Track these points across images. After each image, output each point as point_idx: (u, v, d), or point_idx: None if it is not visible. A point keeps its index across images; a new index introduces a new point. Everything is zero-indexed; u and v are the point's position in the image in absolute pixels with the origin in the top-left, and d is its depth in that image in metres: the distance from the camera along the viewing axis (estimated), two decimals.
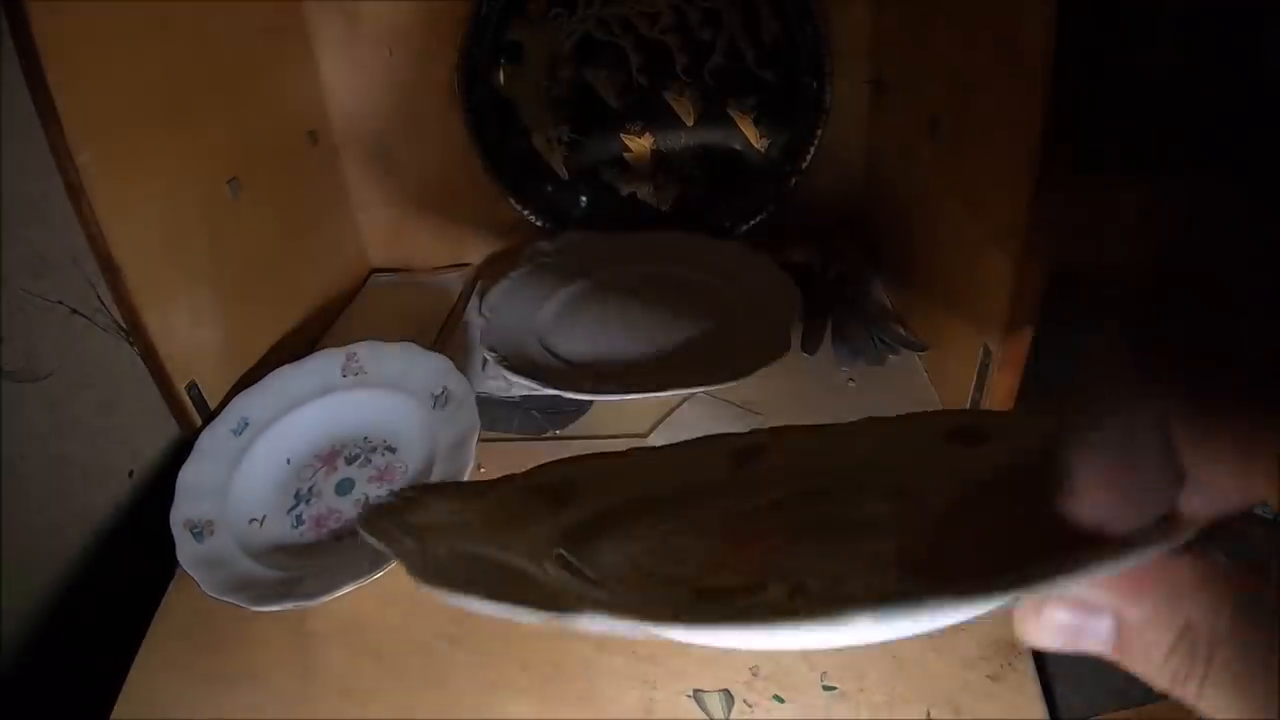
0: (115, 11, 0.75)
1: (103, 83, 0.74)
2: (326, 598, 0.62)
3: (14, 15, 0.67)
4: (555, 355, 0.89)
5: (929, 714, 0.57)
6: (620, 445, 0.75)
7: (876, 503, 0.42)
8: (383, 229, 1.19)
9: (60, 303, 1.38)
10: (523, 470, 0.47)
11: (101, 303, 1.38)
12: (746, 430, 0.51)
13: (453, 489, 0.55)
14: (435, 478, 0.72)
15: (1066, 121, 0.58)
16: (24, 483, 1.51)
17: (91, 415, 1.49)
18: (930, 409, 0.77)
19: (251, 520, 0.74)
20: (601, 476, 0.54)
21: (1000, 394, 0.69)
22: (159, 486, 0.81)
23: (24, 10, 0.66)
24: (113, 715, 0.62)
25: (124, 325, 1.32)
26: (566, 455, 0.73)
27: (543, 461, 0.68)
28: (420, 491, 0.48)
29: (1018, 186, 0.62)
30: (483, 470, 0.76)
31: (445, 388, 0.77)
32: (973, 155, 0.74)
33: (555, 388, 0.81)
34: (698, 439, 0.56)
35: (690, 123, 1.06)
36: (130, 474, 1.55)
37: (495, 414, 0.83)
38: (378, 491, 0.74)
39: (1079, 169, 0.59)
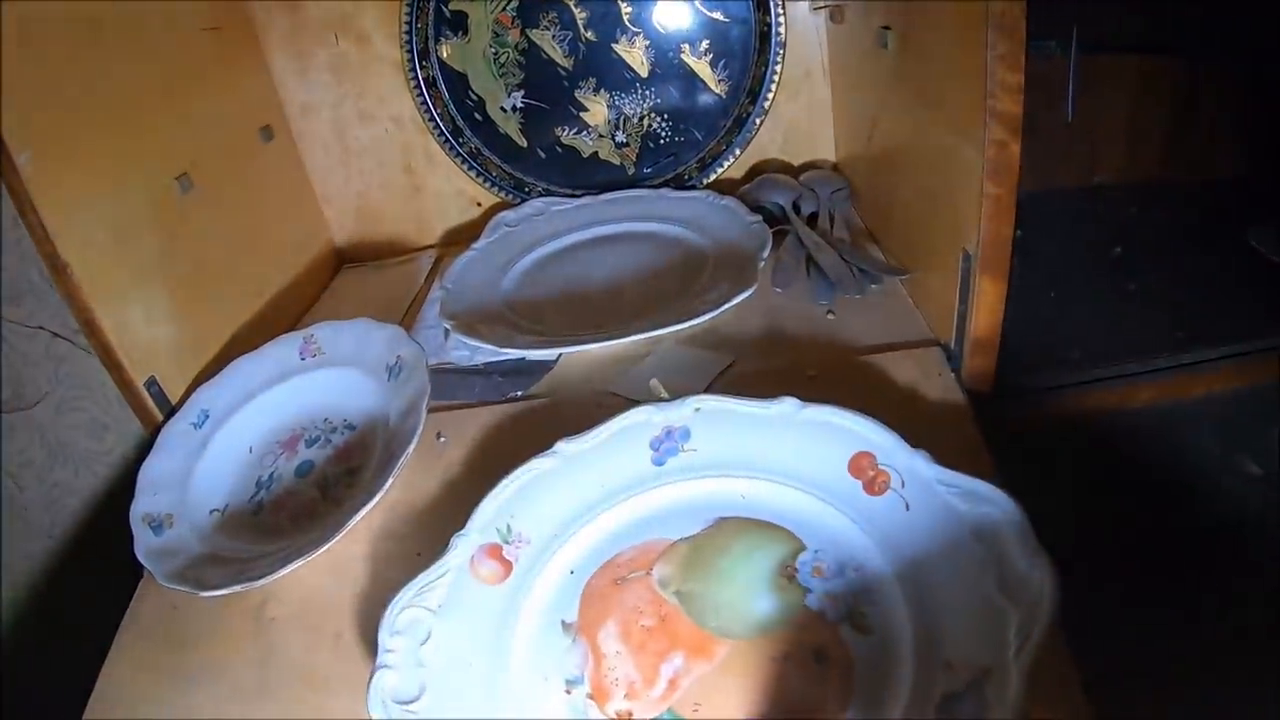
0: (44, 14, 0.74)
1: (38, 84, 0.74)
2: (273, 577, 0.60)
3: None
4: (518, 317, 0.87)
5: None
6: (585, 400, 0.72)
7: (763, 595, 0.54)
8: (349, 218, 1.18)
9: (41, 328, 1.37)
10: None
11: (80, 324, 1.36)
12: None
13: None
14: (386, 444, 0.69)
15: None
16: (25, 513, 1.49)
17: (83, 439, 1.47)
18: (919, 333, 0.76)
19: (212, 511, 0.73)
20: (538, 507, 0.59)
21: (986, 302, 0.65)
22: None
23: None
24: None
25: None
26: (528, 416, 0.71)
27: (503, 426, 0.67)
28: None
29: (975, 71, 0.59)
30: (443, 439, 0.73)
31: (398, 356, 0.75)
32: (928, 56, 0.71)
33: (511, 347, 0.79)
34: (619, 422, 0.61)
35: (644, 74, 1.04)
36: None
37: (457, 383, 0.80)
38: (336, 470, 0.71)
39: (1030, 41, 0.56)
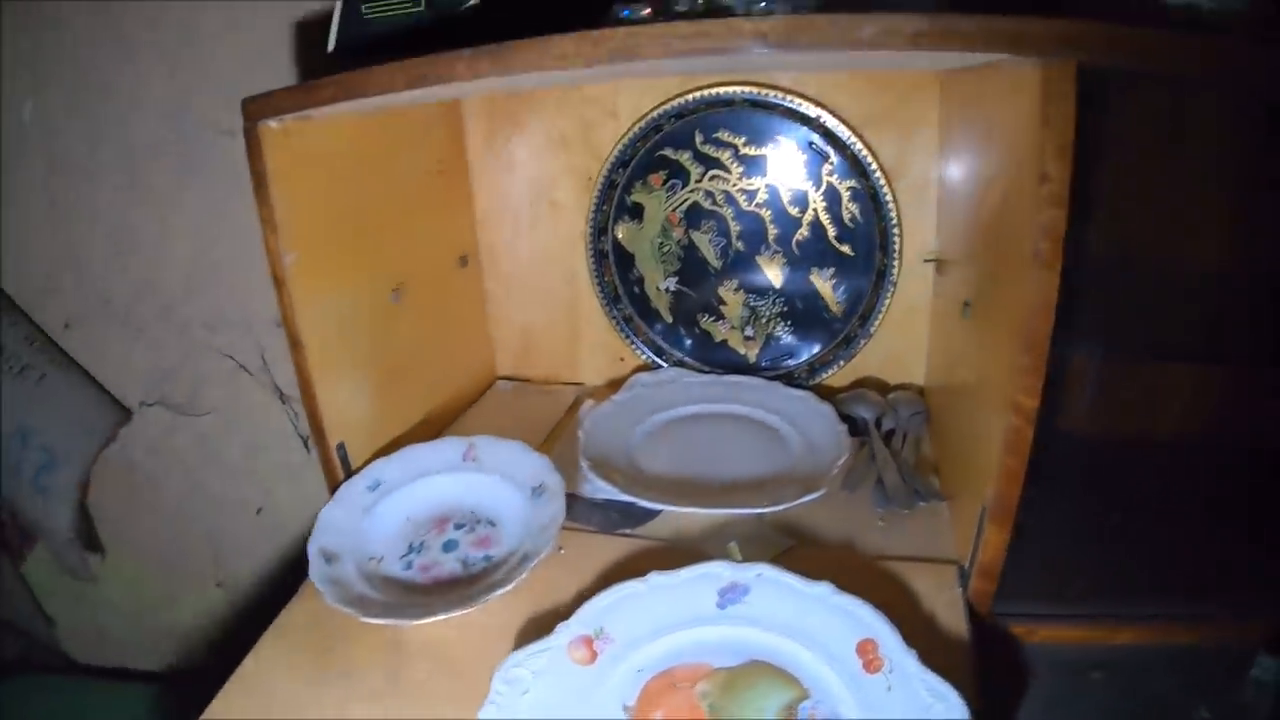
0: (326, 149, 0.96)
1: (309, 202, 0.94)
2: (423, 620, 0.79)
3: (252, 145, 0.88)
4: (638, 470, 1.05)
5: None
6: (676, 547, 0.91)
7: None
8: (512, 344, 1.39)
9: (230, 357, 1.63)
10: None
11: (265, 364, 1.62)
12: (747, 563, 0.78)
13: None
14: (523, 553, 0.87)
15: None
16: (161, 497, 1.74)
17: (236, 456, 1.73)
18: (945, 552, 0.91)
19: (371, 558, 0.91)
20: (625, 617, 0.77)
21: (991, 542, 0.80)
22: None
23: (259, 142, 0.88)
24: (222, 690, 0.78)
25: (281, 389, 1.57)
26: (630, 548, 0.90)
27: (611, 552, 0.88)
28: None
29: (1010, 364, 0.75)
30: (563, 551, 0.91)
31: (543, 482, 0.94)
32: (988, 339, 0.87)
33: (630, 495, 0.97)
34: (700, 570, 0.78)
35: (778, 285, 1.23)
36: (259, 511, 1.77)
37: (582, 510, 1.00)
38: (475, 554, 0.91)
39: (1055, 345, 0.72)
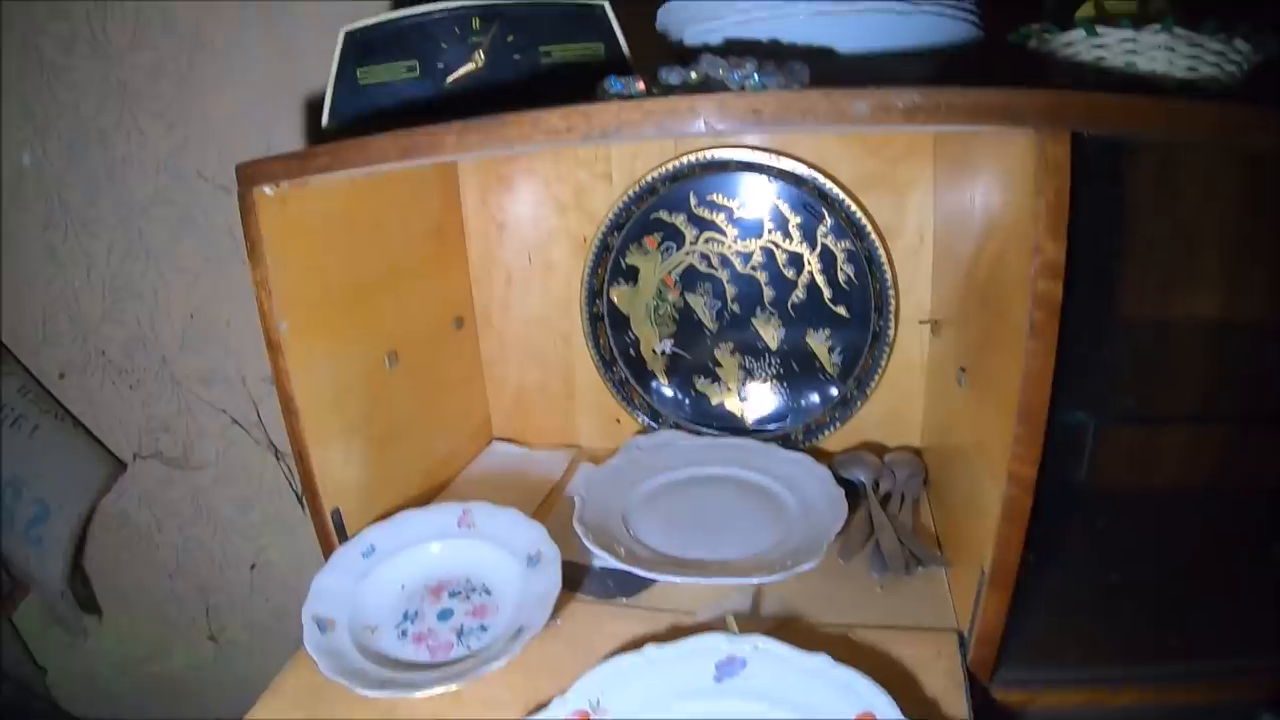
0: (321, 213, 0.96)
1: (304, 266, 0.95)
2: (419, 694, 0.78)
3: (246, 210, 0.88)
4: (634, 537, 1.04)
5: None
6: (672, 618, 0.90)
7: None
8: (508, 406, 1.39)
9: (224, 411, 1.63)
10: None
11: (260, 420, 1.62)
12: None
13: None
14: (519, 623, 0.86)
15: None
16: (155, 550, 1.74)
17: (230, 510, 1.73)
18: (944, 619, 0.90)
19: (365, 627, 0.90)
20: (622, 691, 0.76)
21: (991, 609, 0.80)
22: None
23: (254, 207, 0.88)
24: None
25: (276, 445, 1.57)
26: (626, 617, 0.89)
27: (607, 621, 0.86)
28: None
29: (1007, 431, 0.74)
30: (559, 622, 0.90)
31: (540, 550, 0.93)
32: (983, 407, 0.87)
33: (627, 564, 0.96)
34: (697, 642, 0.77)
35: (774, 347, 1.23)
36: (252, 567, 1.76)
37: (578, 577, 0.99)
38: (471, 623, 0.90)
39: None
